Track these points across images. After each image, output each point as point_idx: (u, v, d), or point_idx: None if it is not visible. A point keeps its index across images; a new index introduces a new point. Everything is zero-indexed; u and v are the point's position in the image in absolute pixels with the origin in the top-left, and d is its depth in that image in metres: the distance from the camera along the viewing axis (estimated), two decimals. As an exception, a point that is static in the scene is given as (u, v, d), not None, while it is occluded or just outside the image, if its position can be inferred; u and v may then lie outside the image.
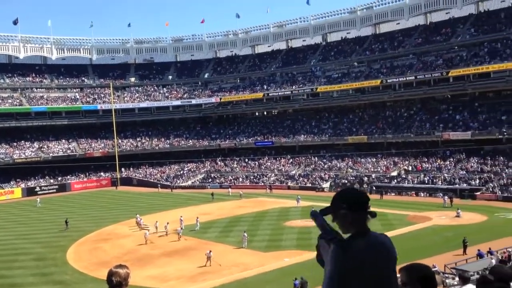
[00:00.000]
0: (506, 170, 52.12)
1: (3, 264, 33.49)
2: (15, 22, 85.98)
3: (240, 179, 72.36)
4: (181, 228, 39.41)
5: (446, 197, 47.55)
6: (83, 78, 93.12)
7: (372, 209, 2.72)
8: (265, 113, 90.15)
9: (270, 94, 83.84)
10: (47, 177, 78.89)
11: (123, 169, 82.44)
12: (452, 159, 58.60)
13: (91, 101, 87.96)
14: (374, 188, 57.42)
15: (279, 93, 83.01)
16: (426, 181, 55.77)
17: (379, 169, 62.63)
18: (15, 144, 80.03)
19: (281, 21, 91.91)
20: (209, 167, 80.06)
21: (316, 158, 71.63)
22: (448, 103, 68.12)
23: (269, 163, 75.31)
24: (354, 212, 2.63)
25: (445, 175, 55.55)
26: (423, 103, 69.96)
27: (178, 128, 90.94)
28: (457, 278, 17.77)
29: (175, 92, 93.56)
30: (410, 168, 60.35)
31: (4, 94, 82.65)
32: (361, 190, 2.79)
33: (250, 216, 47.25)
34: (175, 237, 38.49)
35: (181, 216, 43.17)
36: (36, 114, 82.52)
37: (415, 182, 56.60)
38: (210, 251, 30.88)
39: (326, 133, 74.60)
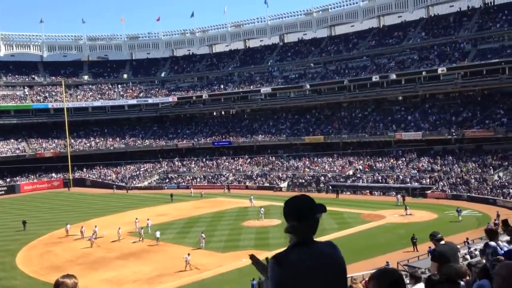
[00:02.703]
0: (455, 169, 54.28)
1: None
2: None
3: (198, 179, 71.85)
4: (158, 235, 36.97)
5: (399, 195, 49.00)
6: (33, 76, 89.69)
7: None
8: (223, 112, 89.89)
9: (228, 94, 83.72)
10: (-6, 178, 75.60)
11: (76, 169, 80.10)
12: (404, 159, 60.47)
13: (42, 100, 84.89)
14: (330, 187, 58.46)
15: (237, 93, 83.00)
16: (380, 180, 57.30)
17: (335, 169, 63.77)
18: (-41, 144, 76.21)
19: (239, 21, 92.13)
20: (166, 167, 79.04)
21: (274, 158, 72.12)
22: (400, 104, 70.29)
23: (227, 163, 75.16)
24: (300, 222, 2.58)
25: (398, 174, 57.26)
26: (377, 104, 71.85)
27: (134, 128, 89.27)
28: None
29: (130, 90, 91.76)
30: (365, 168, 61.80)
31: None
32: (307, 196, 2.70)
33: (208, 216, 47.01)
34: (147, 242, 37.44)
35: (136, 218, 42.40)
36: (-17, 112, 78.97)
37: (369, 181, 58.03)
38: (189, 254, 30.15)
39: (284, 133, 75.24)
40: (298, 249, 2.53)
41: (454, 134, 57.96)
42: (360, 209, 45.70)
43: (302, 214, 2.58)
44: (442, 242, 6.36)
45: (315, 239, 2.65)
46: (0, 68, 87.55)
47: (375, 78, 68.84)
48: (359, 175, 60.06)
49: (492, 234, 7.03)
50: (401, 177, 56.36)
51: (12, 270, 31.88)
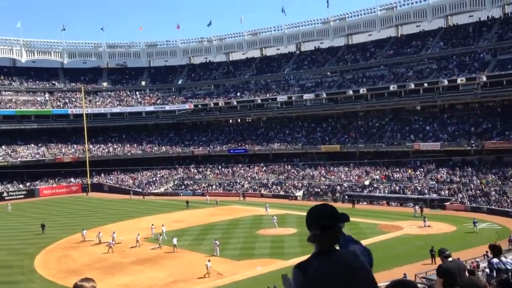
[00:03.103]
0: (474, 181, 53.44)
1: (-34, 273, 32.34)
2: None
3: (214, 187, 72.02)
4: (175, 242, 36.54)
5: (416, 207, 48.37)
6: (53, 82, 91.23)
7: None
8: (239, 120, 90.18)
9: (244, 102, 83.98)
10: (15, 182, 76.73)
11: (94, 174, 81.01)
12: (422, 169, 59.75)
13: (61, 105, 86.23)
14: (346, 197, 58.08)
15: (253, 101, 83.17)
16: (397, 191, 56.67)
17: (351, 178, 63.31)
18: (-19, 148, 77.69)
19: (256, 29, 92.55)
20: (182, 174, 79.43)
21: (290, 166, 71.97)
22: (418, 114, 69.63)
23: (242, 171, 75.23)
24: (323, 232, 2.56)
25: (416, 185, 56.59)
26: (394, 113, 71.27)
27: (151, 134, 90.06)
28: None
29: (148, 97, 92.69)
30: (382, 178, 61.22)
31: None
32: (330, 206, 2.70)
33: (223, 224, 47.03)
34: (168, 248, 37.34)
35: (152, 224, 42.65)
36: (4, 117, 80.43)
37: (387, 191, 57.45)
38: (209, 260, 30.22)
39: (300, 142, 75.08)
40: (319, 257, 2.53)
41: (473, 145, 57.13)
42: (377, 220, 45.23)
43: (325, 223, 2.58)
44: (450, 259, 6.55)
45: (337, 249, 2.64)
46: (22, 74, 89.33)
47: (392, 87, 68.37)
48: (376, 185, 59.53)
49: (495, 250, 7.11)
50: (419, 188, 55.70)
51: (31, 274, 32.26)
